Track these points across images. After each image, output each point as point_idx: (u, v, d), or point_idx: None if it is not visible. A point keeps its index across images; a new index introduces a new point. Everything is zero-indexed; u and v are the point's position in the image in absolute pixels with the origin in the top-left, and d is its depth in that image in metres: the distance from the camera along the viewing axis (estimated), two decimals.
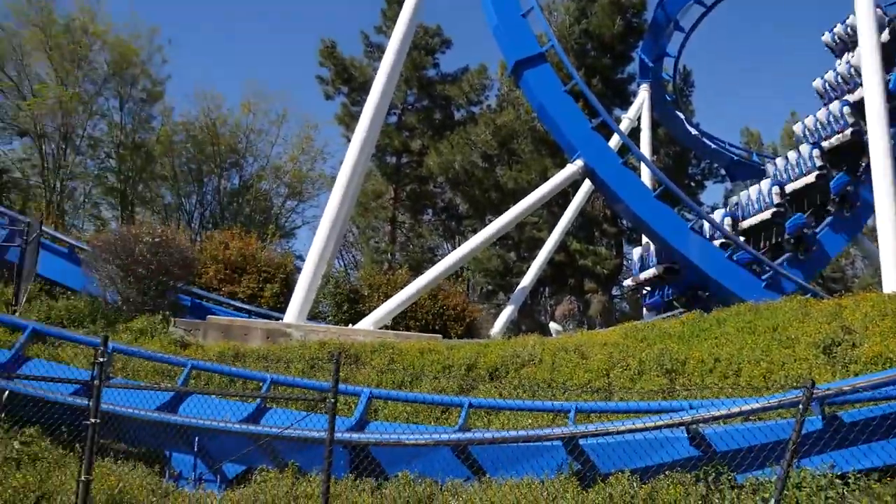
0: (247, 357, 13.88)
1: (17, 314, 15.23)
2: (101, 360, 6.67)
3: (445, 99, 42.58)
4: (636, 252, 24.86)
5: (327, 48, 41.14)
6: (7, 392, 10.28)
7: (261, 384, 11.52)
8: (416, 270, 28.86)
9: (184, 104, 54.59)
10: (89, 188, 39.27)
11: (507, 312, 26.05)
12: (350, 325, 19.20)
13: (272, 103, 40.72)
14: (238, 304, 22.13)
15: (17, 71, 35.80)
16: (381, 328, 18.13)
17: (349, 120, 40.24)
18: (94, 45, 36.36)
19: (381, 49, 38.65)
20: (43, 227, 18.63)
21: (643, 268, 23.58)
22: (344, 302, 22.14)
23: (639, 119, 32.55)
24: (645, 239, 24.13)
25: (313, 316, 20.97)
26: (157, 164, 38.85)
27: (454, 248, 34.20)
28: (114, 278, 17.78)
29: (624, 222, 38.01)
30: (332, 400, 6.42)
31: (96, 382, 6.59)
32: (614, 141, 25.49)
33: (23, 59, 35.60)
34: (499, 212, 26.86)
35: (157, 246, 18.09)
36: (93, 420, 6.48)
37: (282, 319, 18.43)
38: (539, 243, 32.81)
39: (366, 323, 18.39)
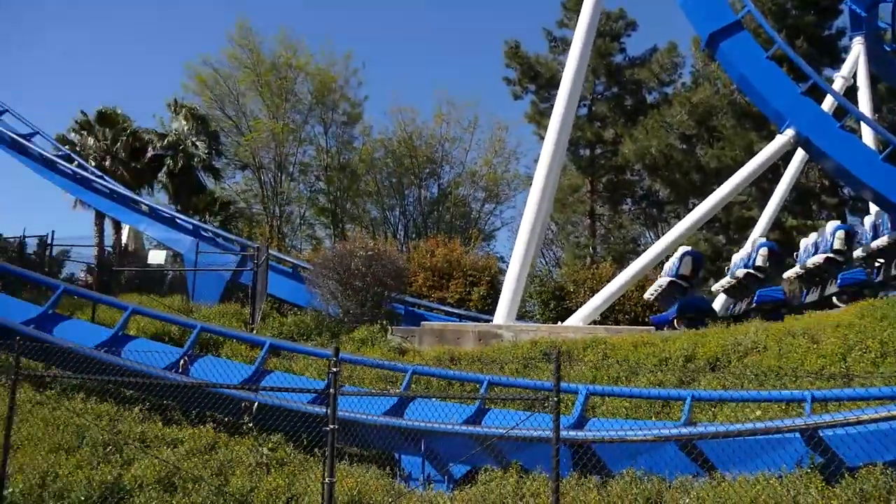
0: (461, 360, 14.28)
1: (254, 332, 16.73)
2: (335, 370, 7.11)
3: (636, 83, 41.34)
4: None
5: (512, 49, 41.34)
6: (256, 403, 11.33)
7: (478, 386, 11.78)
8: (620, 262, 28.32)
9: (381, 121, 57.50)
10: (303, 210, 42.52)
11: (722, 299, 24.75)
12: (559, 323, 19.16)
13: (463, 111, 41.84)
14: (448, 308, 22.87)
15: (234, 111, 39.69)
16: (590, 323, 17.92)
17: (539, 118, 40.22)
18: (297, 77, 39.45)
19: (565, 43, 38.36)
20: (269, 251, 20.31)
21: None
22: (550, 300, 22.25)
23: (854, 76, 29.64)
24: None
25: (521, 316, 21.16)
26: (361, 181, 41.22)
27: (657, 236, 33.15)
28: (334, 292, 19.00)
29: (846, 191, 34.80)
30: (556, 399, 6.42)
31: (332, 391, 7.04)
32: (828, 104, 23.40)
33: (238, 99, 39.47)
34: (702, 194, 25.66)
35: (370, 259, 19.11)
36: (332, 426, 6.93)
37: (491, 321, 18.75)
38: (750, 223, 30.88)
39: (574, 319, 18.24)
